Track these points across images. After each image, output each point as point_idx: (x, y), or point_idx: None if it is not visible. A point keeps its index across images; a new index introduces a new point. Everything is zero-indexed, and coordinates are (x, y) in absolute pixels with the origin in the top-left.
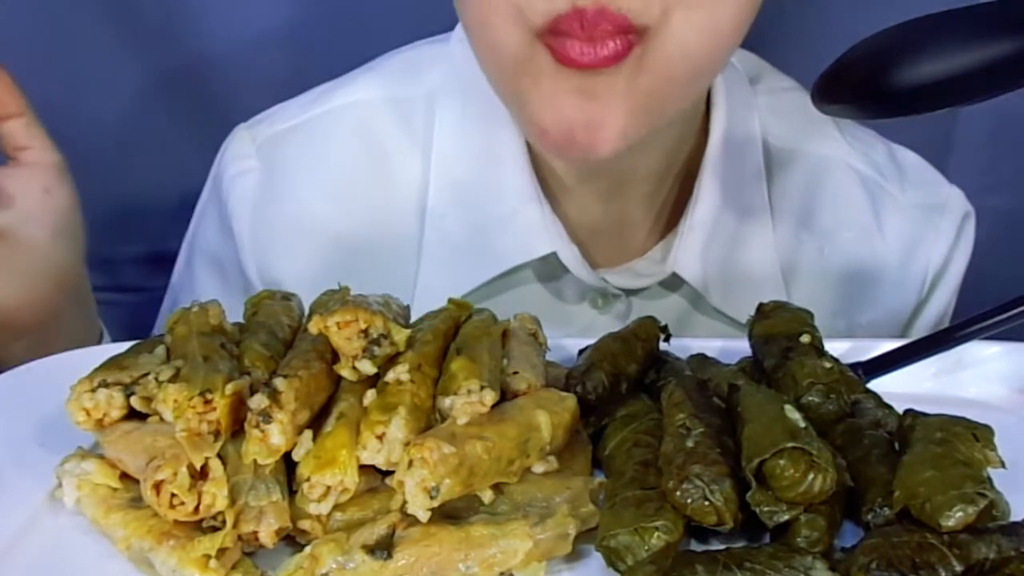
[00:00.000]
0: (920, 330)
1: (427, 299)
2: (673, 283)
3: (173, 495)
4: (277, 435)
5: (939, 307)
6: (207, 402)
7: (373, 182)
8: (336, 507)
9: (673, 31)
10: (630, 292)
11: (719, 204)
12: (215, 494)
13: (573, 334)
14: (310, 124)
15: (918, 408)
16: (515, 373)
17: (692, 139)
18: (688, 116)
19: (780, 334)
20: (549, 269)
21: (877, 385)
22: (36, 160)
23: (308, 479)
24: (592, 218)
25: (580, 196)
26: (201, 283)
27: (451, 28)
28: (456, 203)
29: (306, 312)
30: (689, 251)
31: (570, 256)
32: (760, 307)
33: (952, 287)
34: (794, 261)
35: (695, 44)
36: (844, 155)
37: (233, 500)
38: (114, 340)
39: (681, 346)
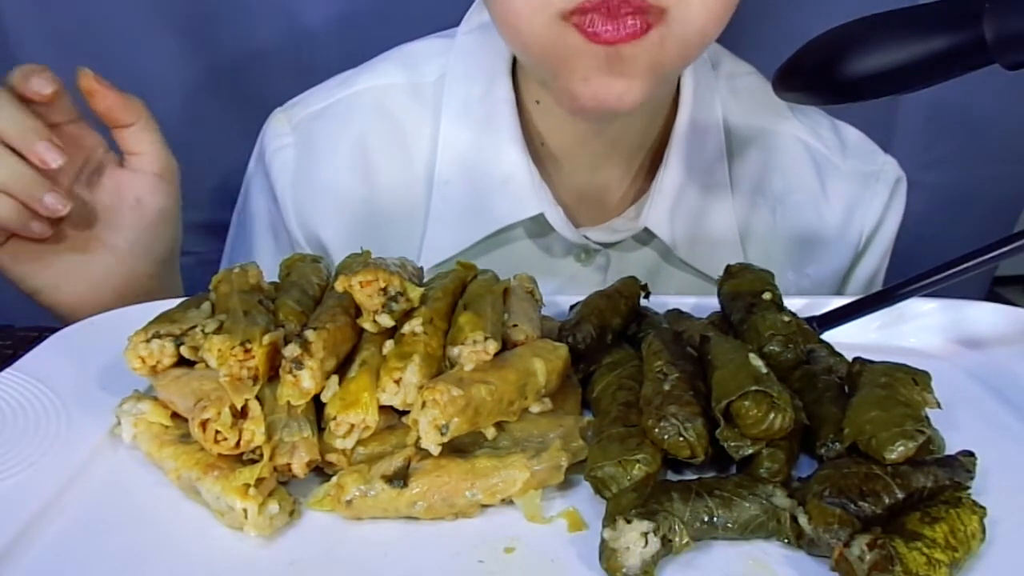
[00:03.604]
0: (857, 281)
1: (432, 254)
2: (645, 238)
3: (217, 432)
4: (308, 380)
5: (874, 260)
6: (247, 351)
7: (390, 153)
8: (359, 442)
9: (691, 12)
10: (608, 246)
11: (685, 171)
12: (254, 431)
13: (560, 284)
14: (337, 106)
15: (865, 356)
16: (514, 326)
17: (663, 118)
18: (663, 96)
19: (745, 291)
20: (538, 228)
21: (829, 336)
22: (139, 167)
23: (335, 418)
24: (578, 184)
25: (569, 166)
26: (257, 242)
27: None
28: (459, 171)
29: (333, 273)
30: (658, 210)
31: (555, 216)
32: (728, 268)
33: (886, 243)
34: (749, 220)
35: (708, 22)
36: (794, 130)
37: (269, 436)
38: None
39: (659, 302)
